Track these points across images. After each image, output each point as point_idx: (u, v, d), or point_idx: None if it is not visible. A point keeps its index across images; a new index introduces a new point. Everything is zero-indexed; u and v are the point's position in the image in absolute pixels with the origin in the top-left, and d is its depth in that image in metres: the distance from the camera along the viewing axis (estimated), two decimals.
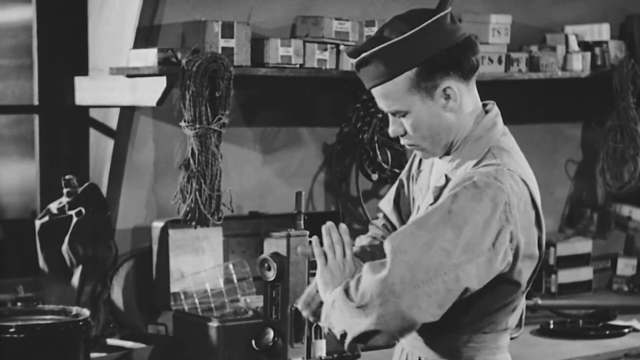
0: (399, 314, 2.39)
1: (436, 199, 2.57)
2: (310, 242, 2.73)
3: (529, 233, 2.53)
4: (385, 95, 2.57)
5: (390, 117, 2.63)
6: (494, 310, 2.58)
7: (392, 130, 2.64)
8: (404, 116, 2.59)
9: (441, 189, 2.57)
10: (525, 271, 2.55)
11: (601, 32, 4.82)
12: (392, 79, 2.54)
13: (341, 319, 2.46)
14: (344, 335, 2.47)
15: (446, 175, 2.60)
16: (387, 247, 2.44)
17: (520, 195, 2.50)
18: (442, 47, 2.53)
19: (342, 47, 4.03)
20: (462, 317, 2.56)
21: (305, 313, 2.73)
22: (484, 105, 2.68)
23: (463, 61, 2.56)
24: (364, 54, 2.55)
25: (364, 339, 2.45)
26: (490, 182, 2.45)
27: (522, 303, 2.66)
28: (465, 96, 2.60)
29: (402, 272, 2.39)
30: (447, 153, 2.64)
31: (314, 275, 3.94)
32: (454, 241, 2.40)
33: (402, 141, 2.65)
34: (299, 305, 2.73)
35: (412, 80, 2.54)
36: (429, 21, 2.53)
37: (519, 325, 4.21)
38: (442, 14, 2.55)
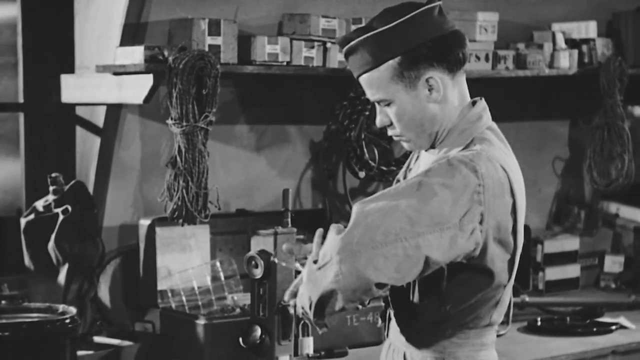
0: (354, 272, 2.40)
1: None
2: (296, 239, 2.72)
3: (502, 219, 2.53)
4: (370, 84, 2.61)
5: (377, 108, 2.66)
6: (475, 303, 2.58)
7: (378, 121, 2.67)
8: (388, 105, 2.62)
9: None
10: (498, 260, 2.54)
11: (588, 29, 4.83)
12: (377, 67, 2.58)
13: (306, 287, 2.48)
14: (310, 305, 2.47)
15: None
16: (353, 210, 2.47)
17: (496, 180, 2.50)
18: (427, 38, 2.56)
19: (328, 45, 4.03)
20: (442, 311, 2.57)
21: (291, 303, 2.72)
22: (473, 102, 2.69)
23: (448, 53, 2.58)
24: (351, 43, 2.59)
25: (324, 303, 2.45)
26: (466, 162, 2.47)
27: (506, 298, 2.65)
28: (450, 88, 2.61)
29: (361, 232, 2.41)
30: (433, 146, 2.66)
31: (301, 272, 3.94)
32: (419, 210, 2.42)
33: (389, 132, 2.68)
34: (286, 296, 2.73)
35: (395, 69, 2.57)
36: (415, 12, 2.56)
37: (506, 323, 4.23)
38: (429, 6, 2.58)
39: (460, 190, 2.44)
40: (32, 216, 3.75)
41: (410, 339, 2.65)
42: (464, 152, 2.52)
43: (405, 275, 2.43)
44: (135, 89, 3.69)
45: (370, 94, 2.63)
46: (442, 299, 2.54)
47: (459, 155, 2.51)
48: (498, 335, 4.09)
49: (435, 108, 2.60)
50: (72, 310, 3.22)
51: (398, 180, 2.91)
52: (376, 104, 2.66)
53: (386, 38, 2.56)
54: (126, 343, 3.63)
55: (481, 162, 2.49)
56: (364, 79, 2.62)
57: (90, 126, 4.02)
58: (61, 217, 3.69)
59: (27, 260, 3.76)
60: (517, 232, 2.58)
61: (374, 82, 2.60)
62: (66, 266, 3.70)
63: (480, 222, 2.47)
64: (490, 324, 2.65)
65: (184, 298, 3.82)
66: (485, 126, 2.64)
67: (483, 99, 2.70)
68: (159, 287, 3.85)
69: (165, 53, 3.64)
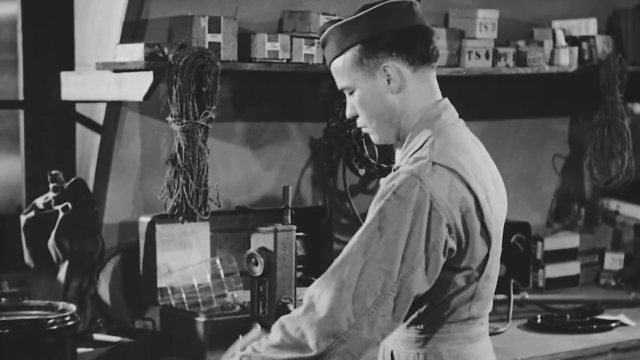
0: (362, 344, 2.48)
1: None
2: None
3: (468, 218, 2.55)
4: (336, 71, 2.70)
5: (347, 100, 2.73)
6: (448, 299, 2.60)
7: (347, 111, 2.74)
8: (351, 94, 2.69)
9: (388, 180, 2.61)
10: (478, 254, 2.59)
11: (588, 27, 4.82)
12: (341, 55, 2.66)
13: None
14: None
15: (394, 169, 2.65)
16: (325, 282, 2.51)
17: (447, 187, 2.53)
18: (389, 28, 2.62)
19: None
20: (418, 308, 2.60)
21: None
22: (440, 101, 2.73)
23: (410, 46, 2.64)
24: (323, 34, 2.70)
25: None
26: (410, 186, 2.50)
27: (484, 292, 2.66)
28: (412, 81, 2.65)
29: (351, 305, 2.46)
30: (403, 142, 2.71)
31: (301, 270, 3.94)
32: (390, 259, 2.48)
33: (357, 123, 2.74)
34: None
35: (355, 56, 2.64)
36: (382, 4, 2.64)
37: (506, 320, 4.24)
38: (395, 0, 2.65)
39: (418, 217, 2.48)
40: (32, 213, 3.75)
41: (395, 336, 2.67)
42: (410, 167, 2.54)
43: (403, 317, 2.54)
44: (135, 87, 3.69)
45: (338, 83, 2.72)
46: (418, 299, 2.57)
47: (402, 178, 2.52)
48: (498, 333, 4.12)
49: (394, 99, 2.66)
50: (72, 307, 3.22)
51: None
52: (346, 95, 2.73)
53: (351, 27, 2.65)
54: (126, 340, 3.63)
55: (425, 176, 2.52)
56: (332, 68, 2.71)
57: (90, 123, 4.02)
58: (61, 214, 3.69)
59: (27, 258, 3.76)
60: (489, 225, 2.59)
61: (339, 70, 2.69)
62: (66, 263, 3.70)
63: (449, 232, 2.52)
64: (472, 318, 2.65)
65: (184, 295, 3.82)
66: (445, 124, 2.65)
67: (447, 98, 2.73)
68: (159, 285, 3.85)
69: (165, 50, 3.64)
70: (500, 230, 2.69)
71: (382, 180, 2.66)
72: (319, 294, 2.50)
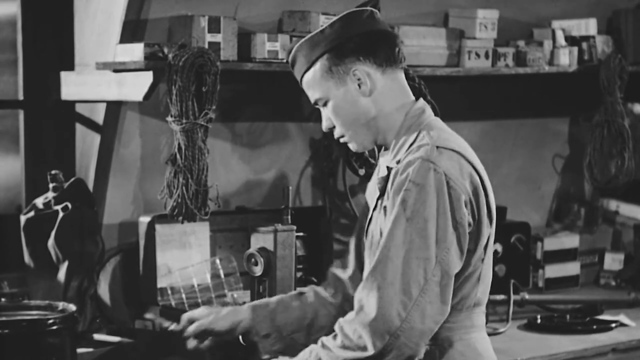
0: (417, 334, 2.52)
1: (381, 190, 2.68)
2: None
3: (478, 195, 2.63)
4: (308, 85, 2.77)
5: (322, 112, 2.78)
6: (462, 281, 2.64)
7: (323, 124, 2.80)
8: (325, 105, 2.75)
9: (385, 179, 2.68)
10: (484, 233, 2.64)
11: (588, 27, 4.82)
12: (310, 68, 2.73)
13: None
14: None
15: (387, 167, 2.69)
16: (368, 284, 2.55)
17: (456, 165, 2.60)
18: (354, 33, 2.70)
19: None
20: None
21: None
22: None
23: (376, 48, 2.71)
24: (291, 53, 2.78)
25: None
26: (426, 170, 2.56)
27: (487, 273, 2.71)
28: (382, 83, 2.71)
29: (399, 299, 2.51)
30: (387, 148, 2.76)
31: (301, 270, 3.95)
32: (425, 245, 2.53)
33: (335, 135, 2.79)
34: None
35: (324, 65, 2.71)
36: (343, 14, 2.73)
37: (506, 320, 4.24)
38: (358, 9, 2.76)
39: (441, 198, 2.55)
40: (31, 213, 3.74)
41: None
42: (418, 154, 2.60)
43: (450, 300, 2.58)
44: (135, 86, 3.69)
45: (310, 96, 2.77)
46: None
47: (414, 164, 2.58)
48: (498, 333, 4.11)
49: (367, 102, 2.71)
50: (72, 307, 3.22)
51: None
52: (320, 109, 2.78)
53: (316, 40, 2.72)
54: (126, 340, 3.63)
55: (435, 157, 2.58)
56: (303, 83, 2.77)
57: (90, 123, 4.02)
58: (61, 214, 3.69)
59: (26, 258, 3.76)
60: (492, 204, 2.67)
61: (310, 83, 2.75)
62: (66, 263, 3.70)
63: (466, 206, 2.58)
64: (477, 304, 2.70)
65: (183, 295, 3.82)
66: (430, 118, 2.73)
67: (421, 98, 2.79)
68: (159, 285, 3.85)
69: (165, 50, 3.64)
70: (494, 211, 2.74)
71: (370, 185, 2.70)
72: (366, 296, 2.55)
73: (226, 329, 2.90)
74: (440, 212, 2.54)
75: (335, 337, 2.59)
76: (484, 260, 2.68)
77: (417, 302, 2.51)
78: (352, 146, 2.79)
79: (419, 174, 2.56)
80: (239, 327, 2.90)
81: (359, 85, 2.71)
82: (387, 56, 2.72)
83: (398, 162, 2.66)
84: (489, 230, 2.66)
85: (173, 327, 2.98)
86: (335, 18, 2.75)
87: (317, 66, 2.72)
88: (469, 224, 2.59)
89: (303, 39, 2.76)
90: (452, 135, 2.71)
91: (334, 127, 2.77)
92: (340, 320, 2.60)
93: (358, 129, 2.74)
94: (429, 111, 2.75)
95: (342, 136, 2.78)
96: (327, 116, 2.77)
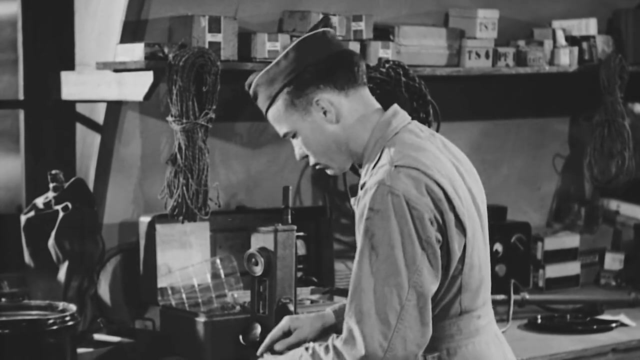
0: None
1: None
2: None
3: (442, 209, 2.57)
4: (273, 121, 2.75)
5: (293, 144, 2.77)
6: (439, 295, 2.61)
7: (296, 154, 2.79)
8: (294, 137, 2.74)
9: (358, 199, 2.64)
10: (456, 245, 2.59)
11: (588, 26, 4.82)
12: (273, 103, 2.71)
13: None
14: None
15: (361, 186, 2.66)
16: (349, 320, 2.53)
17: (415, 183, 2.55)
18: (309, 62, 2.66)
19: None
20: None
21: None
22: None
23: (334, 73, 2.67)
24: (250, 89, 2.75)
25: None
26: (383, 195, 2.53)
27: (472, 282, 2.66)
28: (347, 106, 2.68)
29: (378, 329, 2.49)
30: (361, 165, 2.73)
31: (301, 270, 3.94)
32: (395, 272, 2.50)
33: (310, 162, 2.78)
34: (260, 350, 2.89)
35: (286, 100, 2.69)
36: (294, 43, 2.70)
37: (506, 320, 4.23)
38: (308, 34, 2.71)
39: (403, 221, 2.51)
40: (32, 213, 3.74)
41: None
42: (376, 178, 2.56)
43: (430, 320, 2.55)
44: (136, 86, 3.69)
45: (278, 131, 2.76)
46: None
47: (372, 190, 2.55)
48: None
49: (335, 128, 2.69)
50: (72, 307, 3.22)
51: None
52: (291, 140, 2.76)
53: (273, 74, 2.69)
54: (126, 340, 3.63)
55: (393, 179, 2.54)
56: (269, 119, 2.75)
57: (90, 123, 4.02)
58: (61, 214, 3.69)
59: (27, 258, 3.76)
60: (462, 215, 2.60)
61: (275, 118, 2.73)
62: (66, 263, 3.70)
63: (432, 224, 2.54)
64: (465, 312, 2.67)
65: (184, 295, 3.82)
66: (396, 131, 2.68)
67: (395, 104, 2.75)
68: (159, 285, 3.85)
69: (166, 50, 3.64)
70: (477, 216, 2.69)
71: (352, 200, 2.68)
72: (351, 328, 2.53)
73: (316, 335, 2.92)
74: (404, 235, 2.51)
75: (327, 351, 2.58)
76: (463, 270, 2.63)
77: (396, 329, 2.49)
78: (330, 171, 2.78)
79: (377, 200, 2.53)
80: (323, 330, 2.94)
81: (324, 114, 2.67)
82: (348, 78, 2.68)
83: (365, 183, 2.65)
84: (462, 240, 2.61)
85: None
86: (288, 47, 2.71)
87: (279, 101, 2.70)
88: (439, 240, 2.56)
89: (259, 74, 2.72)
90: (414, 147, 2.64)
91: (306, 155, 2.76)
92: (336, 341, 2.57)
93: (332, 155, 2.72)
94: (396, 122, 2.70)
95: (318, 164, 2.76)
96: (299, 146, 2.75)
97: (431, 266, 2.53)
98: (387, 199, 2.52)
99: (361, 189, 2.64)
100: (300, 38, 2.72)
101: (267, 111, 2.74)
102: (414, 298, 2.51)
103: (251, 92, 2.76)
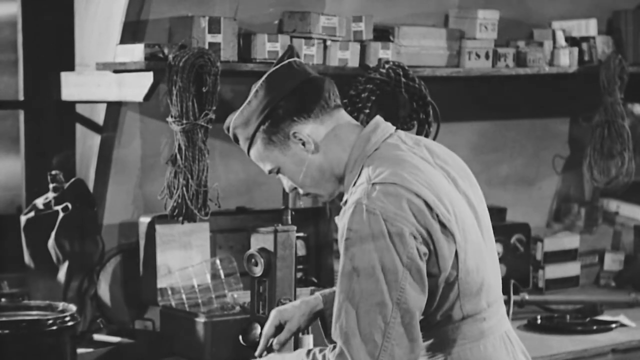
0: None
1: None
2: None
3: (425, 221, 2.54)
4: (256, 160, 2.76)
5: (280, 178, 2.77)
6: (437, 304, 2.59)
7: (285, 188, 2.79)
8: (278, 172, 2.74)
9: (340, 218, 2.63)
10: (447, 252, 2.56)
11: (588, 27, 4.83)
12: (252, 145, 2.72)
13: None
14: None
15: (343, 204, 2.66)
16: (337, 339, 2.52)
17: (393, 199, 2.52)
18: (278, 98, 2.67)
19: (329, 43, 4.02)
20: None
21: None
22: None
23: (305, 104, 2.67)
24: (229, 132, 2.78)
25: None
26: (360, 215, 2.51)
27: (472, 287, 2.64)
28: (325, 133, 2.68)
29: (364, 350, 2.48)
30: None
31: (301, 270, 3.94)
32: (377, 291, 2.48)
33: (301, 194, 2.77)
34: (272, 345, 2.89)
35: (264, 138, 2.70)
36: (262, 80, 2.70)
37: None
38: (273, 69, 2.72)
39: (382, 240, 2.49)
40: (32, 214, 3.75)
41: None
42: (355, 198, 2.55)
43: (419, 336, 2.53)
44: (136, 87, 3.69)
45: (263, 168, 2.76)
46: None
47: (350, 210, 2.54)
48: None
49: (316, 157, 2.69)
50: (72, 308, 3.22)
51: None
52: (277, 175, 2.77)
53: (247, 115, 2.71)
54: (126, 341, 3.63)
55: (371, 199, 2.52)
56: (252, 158, 2.76)
57: (90, 124, 4.02)
58: (61, 214, 3.69)
59: (27, 258, 3.76)
60: (448, 222, 2.57)
61: (257, 157, 2.75)
62: (66, 264, 3.70)
63: (416, 238, 2.52)
64: (468, 316, 2.64)
65: (183, 296, 3.82)
66: (376, 146, 2.66)
67: (377, 116, 2.74)
68: (159, 285, 3.85)
69: (166, 51, 3.64)
70: (474, 219, 2.66)
71: (336, 218, 2.67)
72: (340, 346, 2.51)
73: (307, 322, 2.91)
74: (384, 254, 2.48)
75: None
76: (459, 276, 2.60)
77: (383, 347, 2.48)
78: (322, 199, 2.79)
79: (355, 219, 2.52)
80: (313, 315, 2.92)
81: (303, 145, 2.67)
82: (320, 105, 2.67)
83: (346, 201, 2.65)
84: (453, 247, 2.57)
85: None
86: (257, 84, 2.71)
87: (258, 141, 2.70)
88: (425, 253, 2.53)
89: (234, 115, 2.74)
90: (393, 161, 2.62)
91: (295, 187, 2.76)
92: (329, 354, 2.56)
93: (319, 184, 2.72)
94: (375, 137, 2.68)
95: (308, 193, 2.76)
96: (286, 179, 2.76)
97: (415, 282, 2.51)
98: (364, 218, 2.50)
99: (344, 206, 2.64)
100: (268, 73, 2.72)
101: (248, 152, 2.76)
102: (398, 315, 2.49)
103: (231, 135, 2.78)
